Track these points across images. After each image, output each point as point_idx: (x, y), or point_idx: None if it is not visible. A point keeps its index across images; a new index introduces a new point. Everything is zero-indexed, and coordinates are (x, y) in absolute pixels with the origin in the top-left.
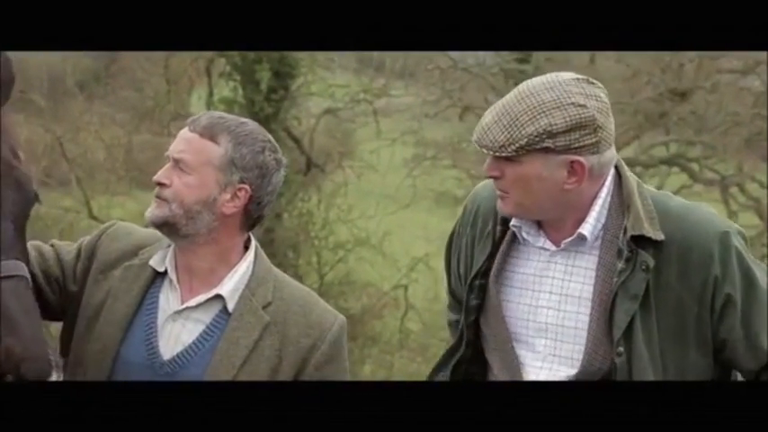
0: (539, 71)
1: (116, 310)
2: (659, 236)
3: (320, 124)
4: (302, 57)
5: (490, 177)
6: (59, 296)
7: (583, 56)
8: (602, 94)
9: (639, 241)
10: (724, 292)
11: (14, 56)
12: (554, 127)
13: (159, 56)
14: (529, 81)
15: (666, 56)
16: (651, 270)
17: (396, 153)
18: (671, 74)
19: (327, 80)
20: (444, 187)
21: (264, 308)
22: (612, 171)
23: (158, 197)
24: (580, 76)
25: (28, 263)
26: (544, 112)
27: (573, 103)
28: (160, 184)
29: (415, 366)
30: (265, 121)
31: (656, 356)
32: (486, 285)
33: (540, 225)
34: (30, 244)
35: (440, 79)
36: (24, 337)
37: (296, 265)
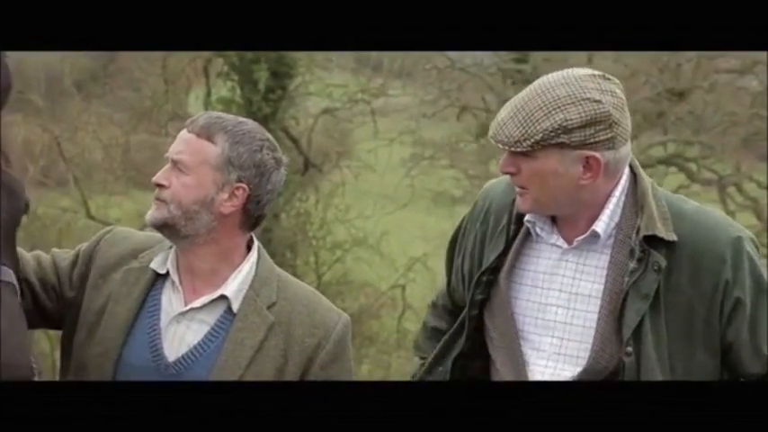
0: (536, 71)
1: (117, 314)
2: (672, 237)
3: (318, 124)
4: (300, 57)
5: (506, 174)
6: (57, 304)
7: (580, 56)
8: (617, 90)
9: (652, 242)
10: (734, 296)
11: (12, 56)
12: (569, 122)
13: (157, 56)
14: (544, 77)
15: (664, 56)
16: (663, 271)
17: (393, 153)
18: (669, 74)
19: (325, 80)
20: (442, 187)
21: (269, 308)
22: (627, 170)
23: (157, 199)
24: (596, 72)
25: (18, 270)
26: (559, 107)
27: (588, 99)
28: (159, 186)
29: (412, 366)
30: (263, 121)
31: (664, 357)
32: (494, 281)
33: (554, 222)
34: (30, 254)
35: (437, 79)
36: (7, 343)
37: (294, 265)
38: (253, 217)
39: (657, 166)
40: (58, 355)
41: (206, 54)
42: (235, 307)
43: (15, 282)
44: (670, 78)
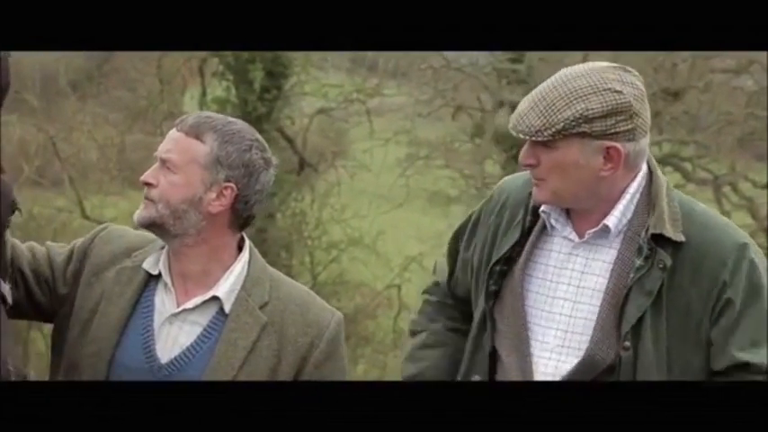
0: (531, 71)
1: (110, 314)
2: (679, 237)
3: (313, 124)
4: (295, 56)
5: (526, 166)
6: (49, 298)
7: (576, 56)
8: (638, 82)
9: (659, 240)
10: (725, 297)
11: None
12: (590, 111)
13: (152, 56)
14: (565, 69)
15: (659, 56)
16: (667, 269)
17: (389, 153)
18: (664, 73)
19: (320, 80)
20: (437, 187)
21: (261, 308)
22: (645, 168)
23: (146, 198)
24: (616, 64)
25: (6, 271)
26: (581, 97)
27: (609, 89)
28: (147, 185)
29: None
30: (258, 121)
31: (662, 355)
32: (508, 272)
33: (568, 214)
34: (25, 245)
35: (432, 79)
36: None
37: (289, 265)
38: (241, 217)
39: None
40: None
41: (201, 54)
42: (227, 308)
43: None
44: (665, 78)
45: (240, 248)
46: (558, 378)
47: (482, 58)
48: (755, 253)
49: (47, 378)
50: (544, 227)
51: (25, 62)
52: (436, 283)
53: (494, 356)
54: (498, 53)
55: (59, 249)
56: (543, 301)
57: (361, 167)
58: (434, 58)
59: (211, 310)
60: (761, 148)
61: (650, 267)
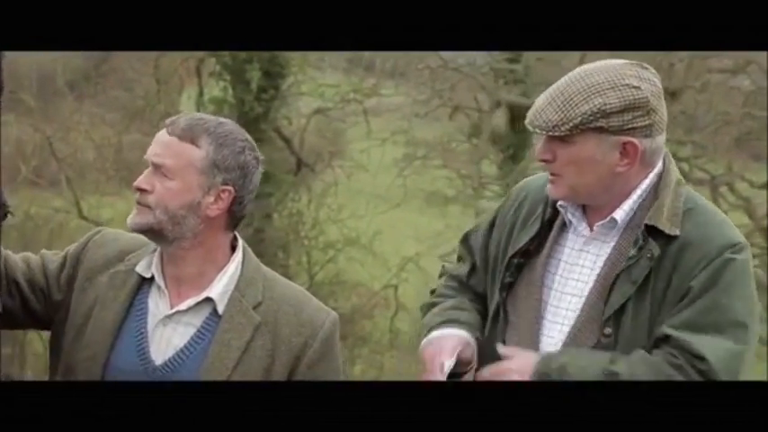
0: (529, 71)
1: (104, 318)
2: (674, 231)
3: (310, 124)
4: (292, 57)
5: (542, 161)
6: (45, 305)
7: (573, 56)
8: (655, 79)
9: (653, 232)
10: (689, 285)
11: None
12: (608, 106)
13: (149, 56)
14: (581, 66)
15: (657, 55)
16: (654, 260)
17: (386, 153)
18: (661, 73)
19: (318, 80)
20: (435, 187)
21: (255, 308)
22: (659, 166)
23: (140, 203)
24: (633, 61)
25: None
26: (598, 92)
27: (627, 85)
28: (141, 191)
29: (405, 366)
30: (255, 121)
31: (640, 343)
32: (524, 266)
33: (584, 209)
34: (20, 255)
35: (430, 79)
36: None
37: (286, 265)
38: (237, 218)
39: None
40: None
41: (198, 54)
42: (220, 309)
43: None
44: (662, 78)
45: (233, 248)
46: None
47: (479, 58)
48: (740, 254)
49: (44, 379)
50: (563, 222)
51: (22, 62)
52: (452, 276)
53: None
54: (496, 53)
55: (53, 257)
56: (553, 296)
57: (358, 167)
58: (432, 58)
59: (205, 312)
60: (758, 148)
61: (640, 257)
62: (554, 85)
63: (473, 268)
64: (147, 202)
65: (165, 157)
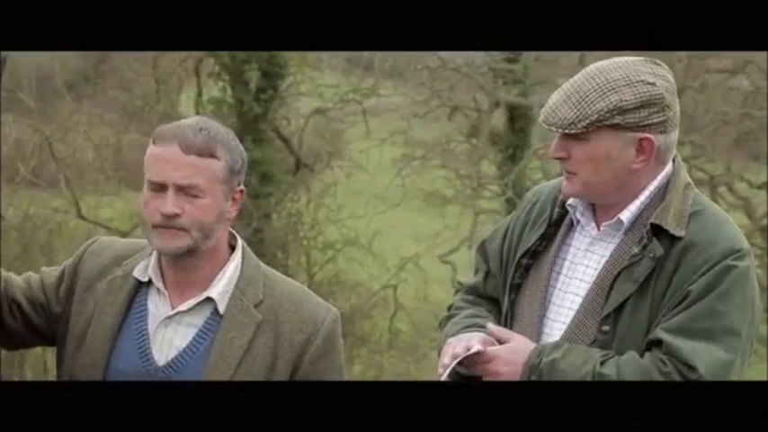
0: (527, 71)
1: (102, 323)
2: (679, 233)
3: (309, 124)
4: (291, 57)
5: (556, 159)
6: (46, 320)
7: (572, 56)
8: (668, 75)
9: (659, 232)
10: (688, 288)
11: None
12: (624, 103)
13: (148, 56)
14: (596, 63)
15: (655, 55)
16: (657, 260)
17: (385, 153)
18: None
19: (316, 80)
20: (433, 187)
21: (256, 306)
22: (669, 167)
23: (172, 227)
24: (647, 58)
25: None
26: (614, 89)
27: (642, 81)
28: (172, 216)
29: (404, 366)
30: (254, 121)
31: (637, 342)
32: (532, 266)
33: (593, 209)
34: (21, 276)
35: (429, 79)
36: None
37: (285, 265)
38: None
39: None
40: (49, 356)
41: (197, 54)
42: (221, 308)
43: None
44: None
45: (232, 246)
46: None
47: (478, 58)
48: (742, 260)
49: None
50: (571, 222)
51: (21, 62)
52: (468, 289)
53: None
54: (494, 53)
55: (51, 272)
56: (557, 295)
57: (357, 168)
58: (430, 58)
59: (206, 311)
60: (757, 148)
61: (643, 256)
62: (568, 83)
63: (489, 274)
64: (180, 225)
65: (194, 178)
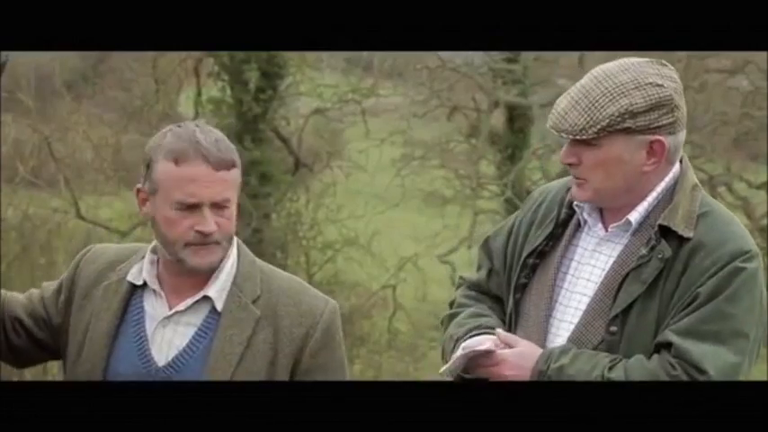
0: (527, 71)
1: (99, 329)
2: (688, 234)
3: (309, 124)
4: (291, 57)
5: (567, 164)
6: (49, 333)
7: (571, 56)
8: (674, 75)
9: (667, 233)
10: (697, 290)
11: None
12: (635, 106)
13: (147, 56)
14: (601, 66)
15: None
16: (666, 261)
17: (384, 153)
18: None
19: (316, 80)
20: (433, 187)
21: (254, 302)
22: (677, 168)
23: (209, 243)
24: (652, 59)
25: None
26: (623, 92)
27: (651, 83)
28: (212, 233)
29: (403, 366)
30: (254, 121)
31: (646, 344)
32: (538, 266)
33: (601, 209)
34: (24, 294)
35: (428, 79)
36: None
37: (284, 265)
38: None
39: None
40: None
41: (196, 54)
42: (219, 306)
43: None
44: None
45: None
46: None
47: (477, 58)
48: (750, 262)
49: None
50: (578, 223)
51: (20, 62)
52: (469, 285)
53: None
54: (494, 53)
55: (50, 286)
56: (563, 295)
57: (356, 168)
58: (430, 58)
59: (204, 310)
60: (756, 148)
61: (651, 257)
62: (575, 87)
63: (492, 271)
64: (215, 239)
65: (226, 192)
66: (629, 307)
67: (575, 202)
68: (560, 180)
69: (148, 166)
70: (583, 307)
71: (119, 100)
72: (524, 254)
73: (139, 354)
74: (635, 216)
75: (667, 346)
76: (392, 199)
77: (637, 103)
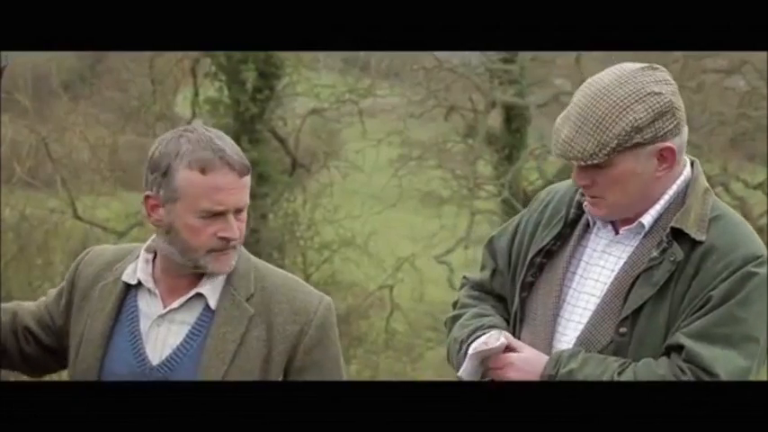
0: (524, 71)
1: (94, 329)
2: (700, 237)
3: (306, 124)
4: (288, 57)
5: (580, 187)
6: (55, 339)
7: (568, 56)
8: (668, 77)
9: (679, 236)
10: (709, 293)
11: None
12: (639, 121)
13: (144, 56)
14: (595, 81)
15: (651, 56)
16: (677, 264)
17: (381, 153)
18: None
19: (313, 80)
20: (430, 187)
21: (248, 300)
22: (688, 172)
23: (231, 249)
24: (643, 65)
25: None
26: (625, 108)
27: (650, 93)
28: (234, 239)
29: (400, 366)
30: (251, 122)
31: (655, 345)
32: (546, 265)
33: None
34: (35, 302)
35: (425, 79)
36: None
37: (281, 265)
38: None
39: None
40: None
41: (193, 54)
42: (212, 303)
43: None
44: None
45: None
46: None
47: (474, 58)
48: (762, 267)
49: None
50: (587, 223)
51: (17, 63)
52: (473, 284)
53: None
54: (490, 53)
55: (53, 291)
56: (571, 295)
57: (353, 168)
58: (427, 58)
59: (198, 308)
60: (753, 148)
61: (663, 260)
62: (574, 110)
63: (496, 271)
64: (236, 244)
65: (246, 197)
66: (640, 309)
67: (584, 203)
68: (568, 181)
69: (164, 174)
70: (591, 307)
71: (116, 100)
72: (531, 253)
73: (134, 353)
74: (647, 219)
75: (678, 348)
76: (389, 199)
77: (641, 118)
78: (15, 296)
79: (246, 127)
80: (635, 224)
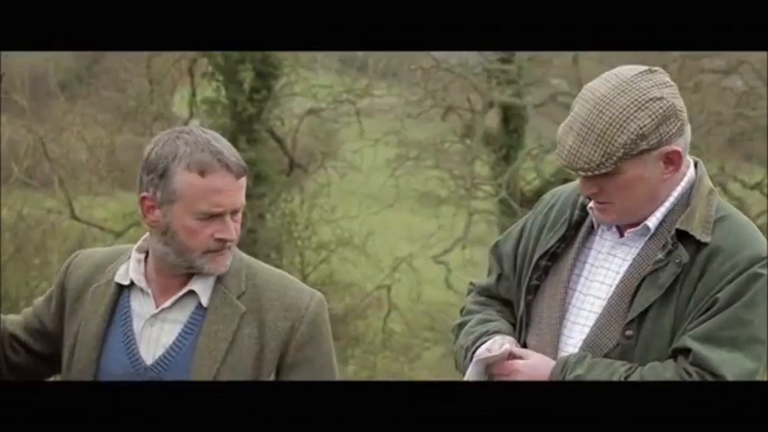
0: (521, 71)
1: (88, 331)
2: (705, 239)
3: (303, 124)
4: (285, 57)
5: (588, 197)
6: (45, 344)
7: (565, 56)
8: (666, 79)
9: (684, 238)
10: (716, 295)
11: None
12: (644, 128)
13: (142, 56)
14: (595, 89)
15: (649, 56)
16: (683, 266)
17: (379, 153)
18: None
19: (310, 80)
20: (427, 187)
21: (239, 297)
22: (692, 174)
23: (227, 249)
24: (641, 68)
25: None
26: (629, 117)
27: (652, 99)
28: (231, 240)
29: (397, 366)
30: (248, 122)
31: (661, 347)
32: (551, 268)
33: None
34: (20, 313)
35: (422, 79)
36: None
37: (279, 265)
38: None
39: None
40: None
41: (191, 54)
42: (204, 301)
43: None
44: None
45: None
46: None
47: (472, 58)
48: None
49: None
50: (591, 225)
51: (14, 63)
52: (479, 290)
53: None
54: (488, 53)
55: (40, 298)
56: (577, 297)
57: (350, 168)
58: (424, 58)
59: (190, 306)
60: (750, 148)
61: (668, 262)
62: (576, 119)
63: (501, 276)
64: (231, 244)
65: (242, 198)
66: (645, 311)
67: (588, 206)
68: (572, 183)
69: (161, 176)
70: (597, 310)
71: (113, 100)
72: (536, 256)
73: (128, 353)
74: (653, 221)
75: (685, 352)
76: (387, 199)
77: (645, 125)
78: (13, 296)
79: (244, 127)
80: (640, 226)
